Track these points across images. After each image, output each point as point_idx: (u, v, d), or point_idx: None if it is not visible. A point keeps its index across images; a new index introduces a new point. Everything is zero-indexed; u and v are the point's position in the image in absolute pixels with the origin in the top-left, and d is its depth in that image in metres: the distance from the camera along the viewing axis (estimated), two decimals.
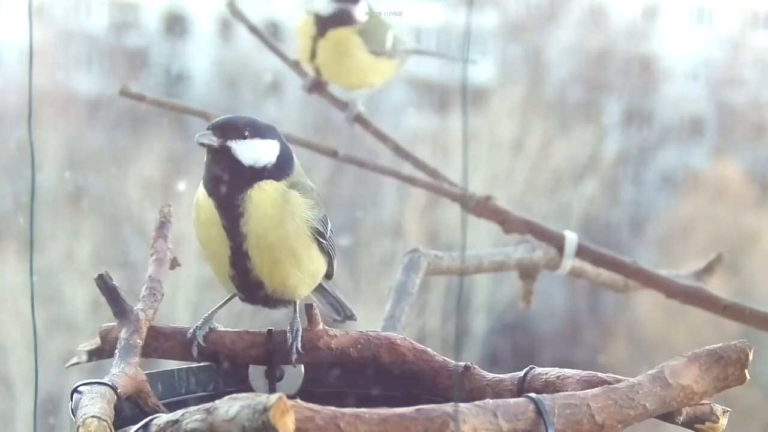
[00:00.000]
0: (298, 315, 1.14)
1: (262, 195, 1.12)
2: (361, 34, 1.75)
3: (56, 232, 5.17)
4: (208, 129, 1.13)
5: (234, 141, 1.12)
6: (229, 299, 1.18)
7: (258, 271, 1.13)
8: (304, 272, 1.16)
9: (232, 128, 1.13)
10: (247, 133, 1.13)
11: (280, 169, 1.14)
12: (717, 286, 1.71)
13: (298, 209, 1.13)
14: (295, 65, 1.81)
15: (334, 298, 1.26)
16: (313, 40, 1.75)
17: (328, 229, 1.17)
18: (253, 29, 1.83)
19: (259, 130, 1.14)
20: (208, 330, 1.14)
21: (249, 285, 1.15)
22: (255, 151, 1.13)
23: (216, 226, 1.12)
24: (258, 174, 1.12)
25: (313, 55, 1.76)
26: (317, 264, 1.17)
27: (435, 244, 5.42)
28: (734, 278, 5.20)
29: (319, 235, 1.15)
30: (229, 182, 1.12)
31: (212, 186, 1.13)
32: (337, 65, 1.76)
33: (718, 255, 1.81)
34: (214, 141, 1.12)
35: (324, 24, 1.74)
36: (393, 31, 1.81)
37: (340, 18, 1.74)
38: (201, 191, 1.14)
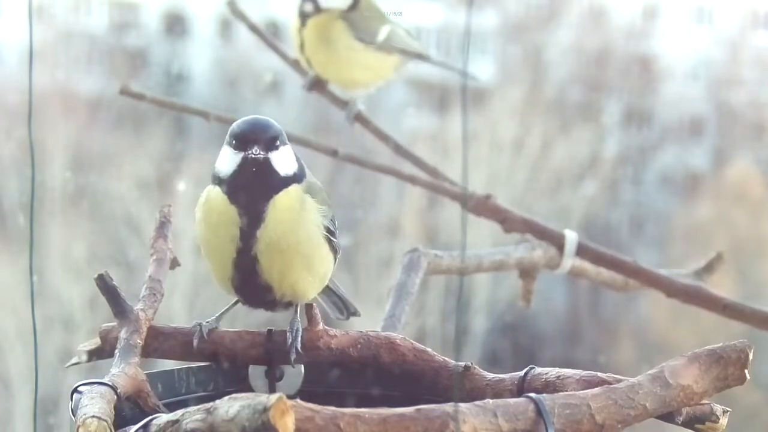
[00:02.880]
0: (298, 315, 1.14)
1: (286, 201, 1.11)
2: (346, 20, 1.77)
3: (55, 231, 5.17)
4: (250, 140, 1.10)
5: (272, 152, 1.11)
6: (235, 304, 1.18)
7: (267, 276, 1.13)
8: (314, 275, 1.15)
9: (270, 138, 1.11)
10: (278, 142, 1.12)
11: (300, 174, 1.13)
12: (719, 287, 1.70)
13: (312, 214, 1.13)
14: (295, 64, 1.82)
15: (338, 296, 1.26)
16: (299, 33, 1.78)
17: (336, 227, 1.17)
18: (254, 28, 1.84)
19: (282, 137, 1.13)
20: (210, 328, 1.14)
21: (256, 289, 1.14)
22: (286, 160, 1.12)
23: (230, 229, 1.11)
24: (286, 181, 1.12)
25: (302, 47, 1.78)
26: (327, 265, 1.16)
27: (434, 243, 5.42)
28: (736, 279, 5.20)
29: (330, 234, 1.15)
30: (262, 190, 1.11)
31: (242, 193, 1.11)
32: (323, 52, 1.78)
33: (718, 254, 1.81)
34: (261, 155, 1.10)
35: (305, 15, 1.78)
36: (392, 27, 1.81)
37: (315, 7, 1.78)
38: (215, 193, 1.13)
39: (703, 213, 5.97)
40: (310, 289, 1.16)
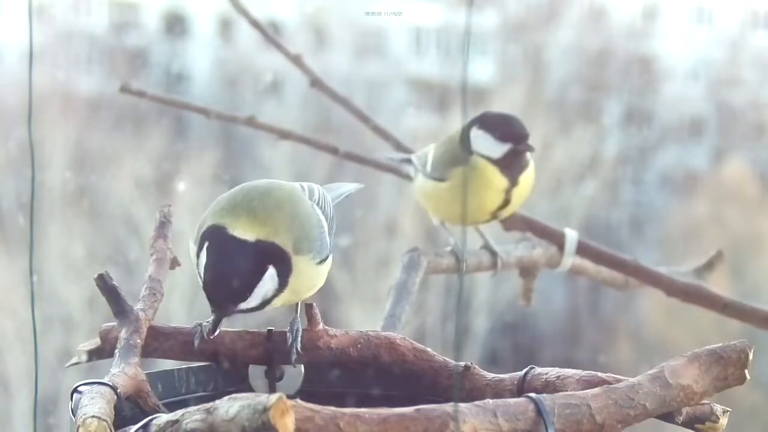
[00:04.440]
0: (298, 315, 1.14)
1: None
2: None
3: (54, 231, 5.17)
4: None
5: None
6: None
7: (282, 303, 1.12)
8: (318, 286, 1.15)
9: None
10: None
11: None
12: (717, 286, 1.70)
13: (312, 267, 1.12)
14: (296, 60, 1.81)
15: None
16: (506, 192, 1.59)
17: (334, 228, 1.16)
18: (255, 24, 1.83)
19: None
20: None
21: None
22: None
23: None
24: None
25: (504, 205, 1.60)
26: (327, 273, 1.16)
27: (434, 243, 5.41)
28: (734, 278, 5.20)
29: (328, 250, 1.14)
30: None
31: None
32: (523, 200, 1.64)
33: (719, 252, 1.81)
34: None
35: (512, 172, 1.58)
36: None
37: (521, 158, 1.58)
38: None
39: (703, 213, 5.97)
40: (311, 294, 1.16)
